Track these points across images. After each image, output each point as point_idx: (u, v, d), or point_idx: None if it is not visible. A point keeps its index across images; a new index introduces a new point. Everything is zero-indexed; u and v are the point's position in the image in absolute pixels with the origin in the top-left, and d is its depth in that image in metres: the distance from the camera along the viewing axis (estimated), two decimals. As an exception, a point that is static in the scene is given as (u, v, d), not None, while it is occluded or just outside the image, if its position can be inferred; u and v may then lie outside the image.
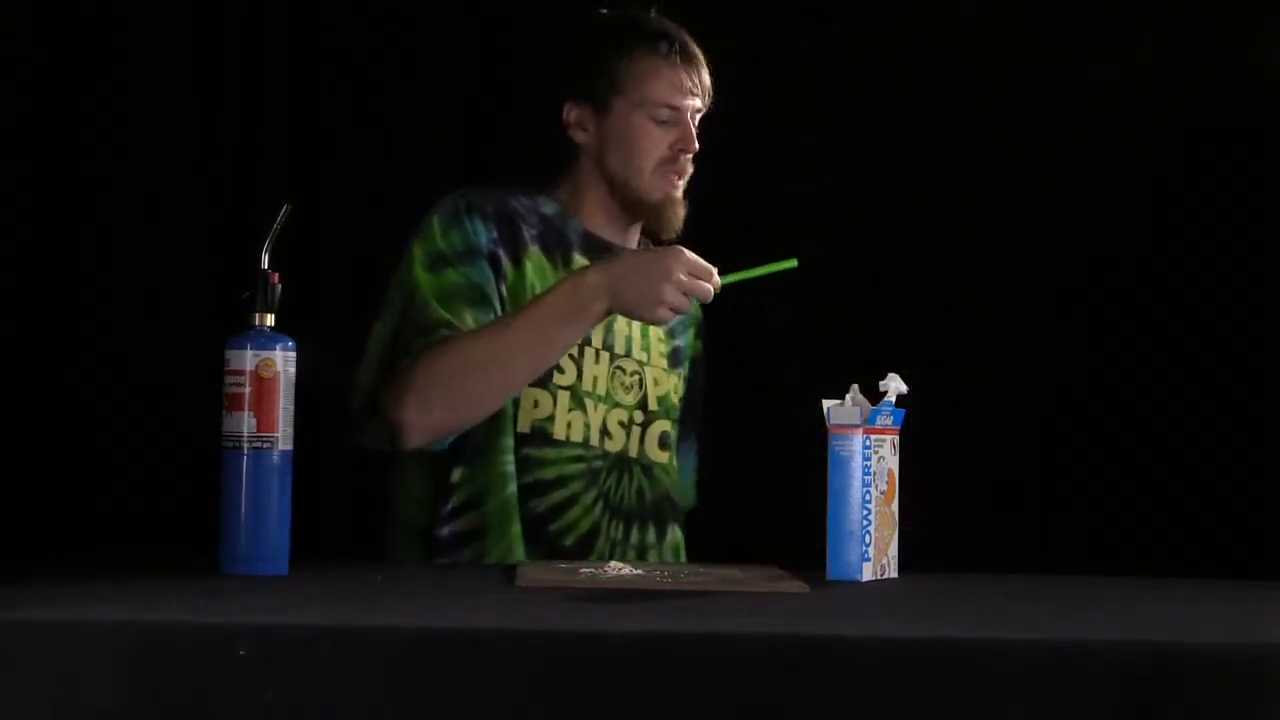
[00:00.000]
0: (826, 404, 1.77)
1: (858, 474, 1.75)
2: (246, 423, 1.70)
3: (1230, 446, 2.79)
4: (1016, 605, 1.67)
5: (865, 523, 1.75)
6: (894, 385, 1.79)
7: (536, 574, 1.77)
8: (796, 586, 1.69)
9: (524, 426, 2.15)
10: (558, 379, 2.16)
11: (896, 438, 1.82)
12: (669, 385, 2.30)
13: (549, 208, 2.24)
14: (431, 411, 2.05)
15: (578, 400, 2.18)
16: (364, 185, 2.78)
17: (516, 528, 2.13)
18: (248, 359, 1.71)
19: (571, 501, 2.18)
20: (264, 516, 1.70)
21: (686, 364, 2.35)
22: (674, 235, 2.20)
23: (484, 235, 2.15)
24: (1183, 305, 2.81)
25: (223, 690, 1.22)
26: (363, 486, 2.47)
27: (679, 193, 2.22)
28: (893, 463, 1.81)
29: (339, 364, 2.16)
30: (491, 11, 2.84)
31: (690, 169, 2.23)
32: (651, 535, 2.27)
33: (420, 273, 2.12)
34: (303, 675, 1.23)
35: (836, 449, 1.76)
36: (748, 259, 2.05)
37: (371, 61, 2.80)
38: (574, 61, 2.26)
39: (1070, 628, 1.44)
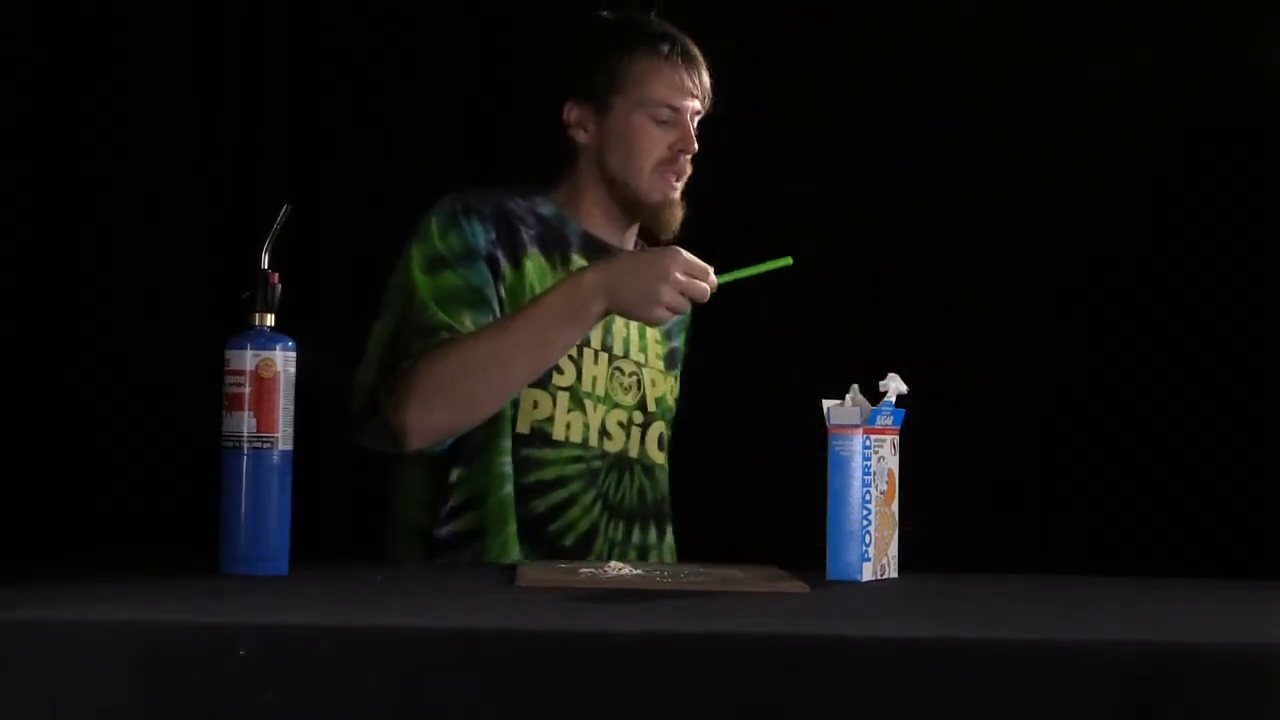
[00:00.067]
0: (826, 404, 1.77)
1: (858, 474, 1.75)
2: (246, 423, 1.70)
3: (1230, 446, 2.79)
4: (1016, 605, 1.67)
5: (865, 523, 1.75)
6: (894, 385, 1.79)
7: (536, 574, 1.77)
8: (796, 586, 1.68)
9: (523, 427, 2.15)
10: (557, 380, 2.16)
11: (896, 438, 1.82)
12: (665, 387, 2.31)
13: (547, 209, 2.24)
14: (433, 414, 2.05)
15: (577, 401, 2.18)
16: (364, 185, 2.78)
17: (512, 527, 2.14)
18: (248, 359, 1.71)
19: (570, 502, 2.18)
20: (264, 516, 1.70)
21: (680, 366, 2.35)
22: (671, 236, 2.20)
23: (482, 237, 2.15)
24: (1183, 305, 2.81)
25: (223, 690, 1.22)
26: (363, 486, 2.47)
27: (677, 194, 2.22)
28: (893, 463, 1.81)
29: (339, 364, 2.16)
30: (491, 11, 2.84)
31: (689, 170, 2.23)
32: (653, 535, 2.27)
33: (418, 275, 2.12)
34: (303, 675, 1.23)
35: (836, 449, 1.76)
36: (747, 259, 2.05)
37: (371, 61, 2.80)
38: (575, 61, 2.26)
39: (1070, 628, 1.44)
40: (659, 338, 2.30)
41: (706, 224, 2.23)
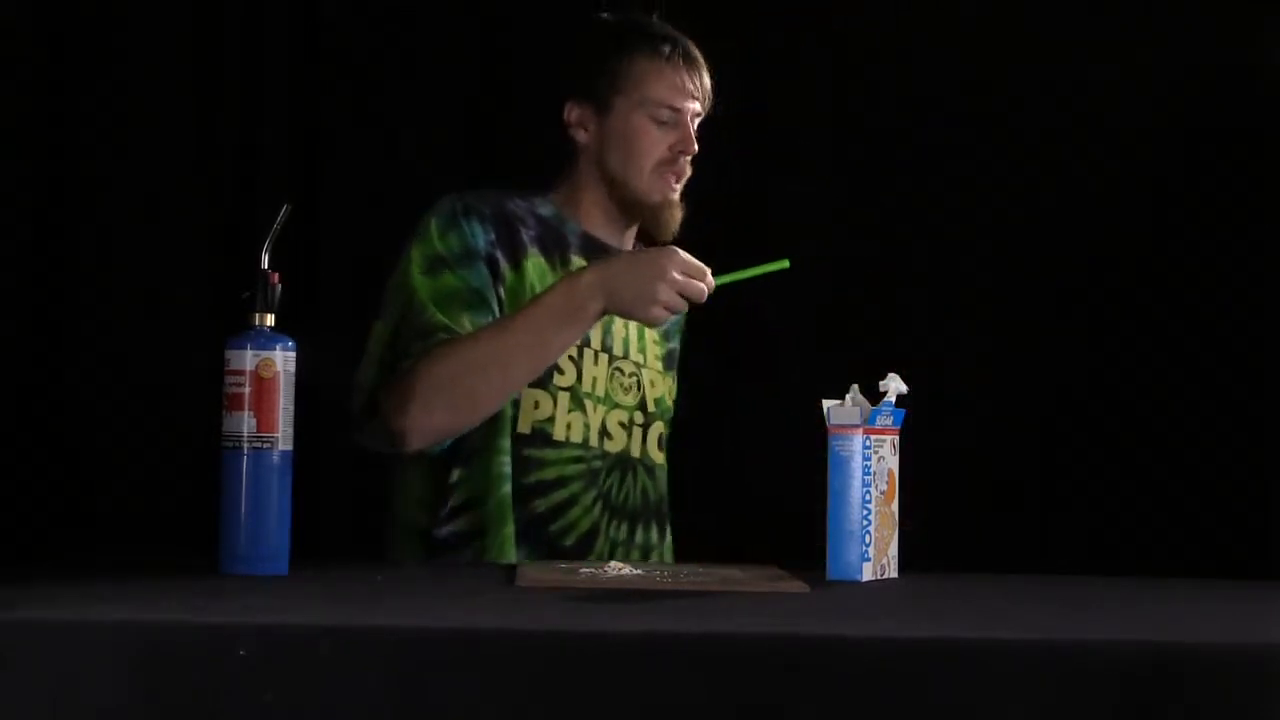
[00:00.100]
0: (826, 404, 1.77)
1: (858, 474, 1.75)
2: (246, 423, 1.70)
3: (1230, 446, 2.79)
4: (1016, 605, 1.67)
5: (865, 523, 1.75)
6: (894, 385, 1.79)
7: (536, 574, 1.76)
8: (796, 586, 1.68)
9: (524, 427, 2.15)
10: (557, 380, 2.17)
11: (896, 438, 1.82)
12: (664, 388, 2.31)
13: (546, 209, 2.24)
14: (433, 415, 2.05)
15: (577, 401, 2.18)
16: (364, 185, 2.78)
17: (510, 527, 2.14)
18: (248, 359, 1.71)
19: (571, 502, 2.18)
20: (264, 516, 1.70)
21: (676, 367, 2.35)
22: (670, 237, 2.20)
23: (481, 237, 2.15)
24: (1183, 305, 2.81)
25: (223, 690, 1.22)
26: (363, 486, 2.47)
27: (677, 195, 2.22)
28: (893, 463, 1.81)
29: (339, 364, 2.16)
30: (491, 11, 2.84)
31: (689, 171, 2.23)
32: (655, 535, 2.27)
33: (418, 276, 2.12)
34: (303, 675, 1.23)
35: (836, 449, 1.76)
36: (747, 260, 2.05)
37: (371, 61, 2.80)
38: (575, 62, 2.26)
39: (1070, 628, 1.44)
40: (658, 338, 2.30)
41: (706, 224, 2.23)
